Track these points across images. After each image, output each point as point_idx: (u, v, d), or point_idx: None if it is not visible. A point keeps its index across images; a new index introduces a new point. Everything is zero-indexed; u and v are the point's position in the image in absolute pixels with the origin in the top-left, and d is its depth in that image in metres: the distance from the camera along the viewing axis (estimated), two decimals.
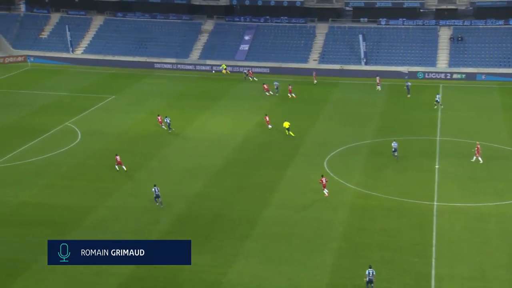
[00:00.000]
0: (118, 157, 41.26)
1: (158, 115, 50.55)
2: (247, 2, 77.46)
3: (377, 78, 62.91)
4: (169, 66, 72.04)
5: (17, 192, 37.58)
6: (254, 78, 65.34)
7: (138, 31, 77.19)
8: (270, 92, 59.71)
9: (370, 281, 28.01)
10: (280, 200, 37.58)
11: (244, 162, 43.32)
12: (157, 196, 36.48)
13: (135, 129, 50.16)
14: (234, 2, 78.04)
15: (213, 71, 69.17)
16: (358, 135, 48.37)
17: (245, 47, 73.67)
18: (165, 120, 49.30)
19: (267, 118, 50.14)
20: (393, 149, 42.83)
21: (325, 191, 37.43)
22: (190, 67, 71.88)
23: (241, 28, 76.30)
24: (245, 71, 67.40)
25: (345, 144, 46.32)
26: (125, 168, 40.98)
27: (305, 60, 71.58)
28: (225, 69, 68.95)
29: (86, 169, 41.71)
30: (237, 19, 77.55)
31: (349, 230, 33.97)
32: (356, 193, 38.47)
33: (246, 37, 74.78)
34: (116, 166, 41.21)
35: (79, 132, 48.95)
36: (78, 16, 79.10)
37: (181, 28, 77.62)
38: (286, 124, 48.33)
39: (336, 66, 69.89)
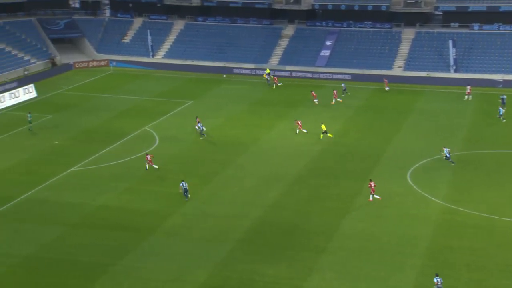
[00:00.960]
0: (149, 156, 42.50)
1: (197, 117, 51.03)
2: (329, 7, 77.03)
3: (468, 87, 60.60)
4: (247, 71, 72.78)
5: (96, 195, 39.12)
6: (279, 84, 65.94)
7: (217, 36, 78.58)
8: (316, 100, 58.88)
9: None
10: (359, 212, 36.89)
11: (322, 172, 42.91)
12: (185, 191, 38.26)
13: (213, 135, 50.87)
14: (316, 7, 77.82)
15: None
16: (445, 146, 46.70)
17: (326, 52, 73.24)
18: (198, 125, 49.31)
19: (300, 123, 49.81)
20: (447, 155, 42.58)
21: (374, 196, 37.31)
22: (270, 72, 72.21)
23: (323, 33, 75.94)
24: (267, 76, 67.10)
25: (430, 156, 44.87)
26: (155, 167, 42.06)
27: (389, 67, 70.14)
28: (268, 74, 68.63)
29: (163, 174, 42.78)
30: (319, 24, 77.25)
31: (433, 247, 32.79)
32: (442, 208, 37.11)
33: (328, 43, 74.34)
34: (147, 165, 42.28)
35: (156, 137, 50.34)
36: (160, 20, 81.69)
37: (261, 32, 78.28)
38: (324, 127, 48.61)
39: (423, 73, 68.01)
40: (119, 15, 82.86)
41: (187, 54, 76.75)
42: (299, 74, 70.97)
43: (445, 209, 36.97)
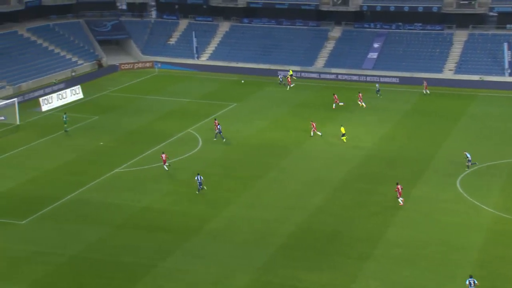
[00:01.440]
0: (164, 155, 43.33)
1: (215, 119, 51.49)
2: (378, 8, 76.30)
3: None
4: (293, 73, 72.72)
5: (140, 196, 39.87)
6: (292, 85, 65.99)
7: (263, 38, 78.89)
8: (363, 103, 58.39)
9: None
10: (405, 219, 36.39)
11: (368, 177, 42.53)
12: (200, 184, 39.97)
13: (256, 138, 51.11)
14: (365, 8, 77.22)
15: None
16: (498, 153, 45.62)
17: (373, 55, 72.56)
18: (218, 128, 49.42)
19: (314, 125, 49.87)
20: (469, 159, 42.46)
21: (400, 200, 37.41)
22: (314, 75, 72.10)
23: (370, 35, 75.28)
24: (280, 76, 66.72)
25: (482, 162, 43.85)
26: (166, 168, 42.96)
27: (440, 70, 68.94)
28: (291, 75, 68.80)
29: (206, 176, 43.16)
30: (367, 26, 76.65)
31: (485, 257, 32.05)
32: (494, 217, 36.22)
33: (375, 45, 73.65)
34: (165, 166, 43.15)
35: (200, 139, 50.90)
36: (205, 22, 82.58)
37: (307, 34, 78.19)
38: (343, 130, 48.97)
39: (475, 77, 66.55)
40: (165, 16, 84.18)
41: (231, 56, 77.31)
42: (345, 77, 70.56)
43: (496, 218, 36.09)
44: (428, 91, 62.99)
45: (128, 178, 43.00)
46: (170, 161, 45.55)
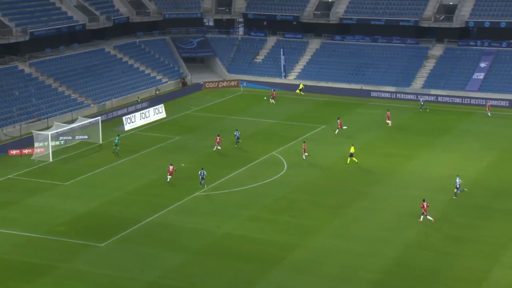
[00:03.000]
0: (171, 167, 45.85)
1: (218, 135, 53.51)
2: (486, 24, 73.89)
3: None
4: (387, 95, 71.70)
5: (221, 222, 40.26)
6: (273, 101, 67.24)
7: (356, 56, 78.37)
8: (389, 122, 58.80)
9: None
10: None
11: (471, 210, 40.87)
12: (202, 178, 43.92)
13: (345, 164, 50.55)
14: (471, 24, 75.01)
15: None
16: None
17: (479, 75, 70.22)
18: (235, 134, 53.57)
19: (305, 146, 50.79)
20: (457, 185, 42.44)
21: (427, 217, 38.52)
22: (412, 96, 70.64)
23: (477, 54, 73.03)
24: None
25: None
26: (168, 179, 45.54)
27: None
28: (300, 89, 70.20)
29: (290, 203, 43.12)
30: (473, 44, 74.44)
31: None
32: None
33: (482, 64, 71.27)
34: (168, 177, 46.02)
35: (285, 163, 50.93)
36: (295, 39, 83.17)
37: (405, 53, 76.95)
38: (352, 149, 49.64)
39: None
40: (252, 33, 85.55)
41: (321, 75, 77.25)
42: (446, 99, 68.65)
43: None
44: (489, 114, 60.25)
45: (209, 202, 43.59)
46: (252, 185, 45.79)
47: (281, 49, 79.68)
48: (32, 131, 54.77)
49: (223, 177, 47.71)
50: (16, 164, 50.73)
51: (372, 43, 79.13)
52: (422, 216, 38.95)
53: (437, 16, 76.46)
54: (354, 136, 57.77)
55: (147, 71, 76.56)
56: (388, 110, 60.46)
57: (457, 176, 43.61)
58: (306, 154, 51.01)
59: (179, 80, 77.82)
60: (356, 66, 76.96)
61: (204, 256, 36.09)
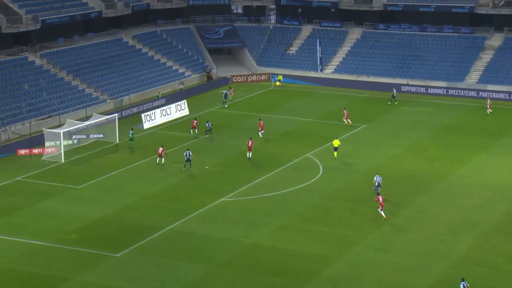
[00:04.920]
0: (161, 149, 49.86)
1: (195, 119, 57.52)
2: None
3: None
4: (437, 90, 71.11)
5: (248, 231, 40.31)
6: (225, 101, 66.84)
7: (401, 47, 77.91)
8: (348, 121, 60.00)
9: None
10: None
11: None
12: (188, 160, 48.42)
13: (388, 167, 50.29)
14: None
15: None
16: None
17: None
18: (206, 125, 56.11)
19: (250, 143, 51.90)
20: (376, 184, 44.50)
21: (382, 213, 40.83)
22: (465, 92, 69.91)
23: None
24: (225, 91, 67.99)
25: None
26: (162, 162, 49.48)
27: None
28: (280, 80, 72.04)
29: (326, 211, 43.01)
30: None
31: None
32: None
33: None
34: (157, 159, 49.89)
35: (320, 166, 50.81)
36: (332, 28, 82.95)
37: (458, 43, 76.26)
38: (336, 143, 51.30)
39: None
40: (285, 22, 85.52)
41: (362, 68, 76.92)
42: (504, 95, 67.82)
43: None
44: (489, 111, 60.49)
45: (235, 209, 43.70)
46: (283, 191, 45.73)
47: (317, 40, 79.55)
48: (43, 129, 55.63)
49: (251, 181, 47.78)
50: (25, 165, 51.56)
51: (421, 33, 78.49)
52: (380, 211, 41.00)
53: (496, 1, 75.35)
54: (398, 136, 57.40)
55: (168, 64, 77.14)
56: (344, 108, 60.21)
57: (377, 173, 45.44)
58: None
59: (203, 73, 78.21)
60: (401, 59, 76.46)
61: (229, 268, 36.19)
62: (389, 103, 66.57)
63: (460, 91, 70.16)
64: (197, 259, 37.09)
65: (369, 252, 37.62)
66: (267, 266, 36.36)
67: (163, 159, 50.52)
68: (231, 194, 45.78)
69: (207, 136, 56.88)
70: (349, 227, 40.71)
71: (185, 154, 49.19)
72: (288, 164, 51.30)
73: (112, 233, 40.38)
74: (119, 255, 37.53)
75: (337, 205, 43.86)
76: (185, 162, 49.22)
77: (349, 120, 60.33)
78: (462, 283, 32.00)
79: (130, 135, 55.04)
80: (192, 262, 36.78)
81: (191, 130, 57.75)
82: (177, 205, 44.17)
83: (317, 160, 52.16)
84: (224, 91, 67.76)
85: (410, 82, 72.83)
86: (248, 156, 51.89)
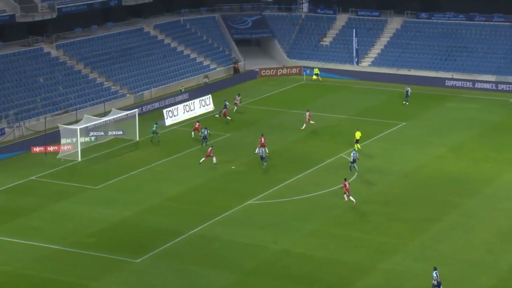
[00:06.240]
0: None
1: (198, 122, 57.56)
2: None
3: None
4: (485, 85, 70.55)
5: (277, 237, 40.33)
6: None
7: (446, 38, 77.42)
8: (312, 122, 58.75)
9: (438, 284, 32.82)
10: None
11: None
12: (205, 138, 53.01)
13: (430, 169, 50.00)
14: None
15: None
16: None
17: None
18: (203, 131, 54.70)
19: (263, 140, 52.00)
20: (351, 160, 48.33)
21: (346, 197, 43.23)
22: None
23: None
24: (226, 102, 63.65)
25: None
26: (214, 161, 50.21)
27: None
28: (317, 74, 73.15)
29: (362, 216, 42.85)
30: None
31: None
32: None
33: None
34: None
35: (356, 167, 50.67)
36: (370, 17, 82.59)
37: (509, 33, 75.62)
38: (358, 134, 52.33)
39: None
40: (319, 10, 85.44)
41: (402, 61, 76.55)
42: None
43: None
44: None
45: (263, 212, 43.74)
46: (315, 193, 45.71)
47: (354, 30, 79.30)
48: (59, 125, 56.24)
49: (281, 182, 47.81)
50: (39, 164, 52.21)
51: (467, 22, 77.88)
52: (345, 196, 43.42)
53: None
54: (442, 135, 57.03)
55: (192, 56, 77.51)
56: (307, 110, 59.21)
57: (354, 150, 49.36)
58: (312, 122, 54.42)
59: (230, 66, 78.41)
60: (446, 50, 75.96)
61: (257, 276, 36.26)
62: (406, 103, 65.55)
63: (511, 86, 69.33)
64: (222, 266, 37.22)
65: (409, 261, 37.40)
66: (297, 274, 36.35)
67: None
68: (259, 197, 45.84)
69: (202, 145, 54.38)
70: (387, 233, 40.52)
71: (203, 131, 53.58)
72: (321, 165, 51.22)
73: (131, 237, 40.70)
74: (138, 260, 37.82)
75: (373, 209, 43.67)
76: (203, 140, 53.33)
77: (309, 122, 58.47)
78: (435, 271, 33.10)
79: (154, 128, 55.81)
80: (217, 269, 36.92)
81: (193, 133, 56.83)
82: (200, 208, 44.34)
83: None
84: (225, 102, 62.93)
85: (455, 76, 72.26)
86: (256, 151, 52.24)
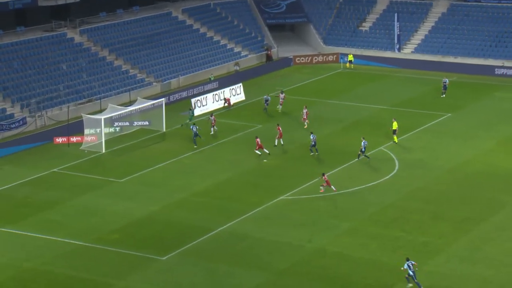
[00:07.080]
0: (258, 140, 50.52)
1: (212, 114, 56.86)
2: None
3: None
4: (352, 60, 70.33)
5: (311, 235, 40.29)
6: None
7: (496, 22, 76.71)
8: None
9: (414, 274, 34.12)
10: None
11: None
12: (196, 135, 52.20)
13: (477, 164, 49.63)
14: None
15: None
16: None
17: None
18: (192, 128, 53.91)
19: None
20: (362, 149, 49.30)
21: (322, 187, 44.83)
22: None
23: None
24: (266, 96, 62.33)
25: None
26: (267, 151, 49.85)
27: None
28: (351, 61, 73.75)
29: (402, 214, 42.56)
30: None
31: None
32: None
33: None
34: (257, 151, 50.46)
35: (396, 161, 50.36)
36: (413, 0, 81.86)
37: None
38: (395, 125, 52.83)
39: None
40: None
41: (448, 47, 75.95)
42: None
43: None
44: None
45: (296, 208, 43.69)
46: (352, 189, 45.48)
47: (395, 14, 78.74)
48: (82, 114, 56.71)
49: (315, 177, 47.66)
50: (62, 155, 52.72)
51: None
52: (321, 187, 44.88)
53: None
54: (490, 128, 56.54)
55: (222, 42, 77.56)
56: (305, 106, 58.15)
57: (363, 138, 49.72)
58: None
59: (262, 53, 78.30)
60: (496, 36, 75.21)
61: (290, 277, 36.21)
62: (443, 96, 64.65)
63: None
64: (253, 265, 37.24)
65: (454, 263, 37.11)
66: (333, 275, 36.25)
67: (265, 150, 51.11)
68: (292, 192, 45.78)
69: (196, 146, 53.41)
70: (430, 233, 40.22)
71: (191, 127, 53.24)
72: (359, 158, 50.96)
73: (157, 233, 40.90)
74: (165, 258, 38.00)
75: (415, 207, 43.37)
76: (194, 137, 52.67)
77: (306, 122, 57.33)
78: (407, 262, 34.18)
79: (191, 114, 57.70)
80: (247, 268, 36.95)
81: (212, 129, 55.98)
82: (230, 204, 44.41)
83: (392, 154, 51.73)
84: (265, 97, 61.89)
85: (506, 64, 71.45)
86: (276, 143, 52.58)
